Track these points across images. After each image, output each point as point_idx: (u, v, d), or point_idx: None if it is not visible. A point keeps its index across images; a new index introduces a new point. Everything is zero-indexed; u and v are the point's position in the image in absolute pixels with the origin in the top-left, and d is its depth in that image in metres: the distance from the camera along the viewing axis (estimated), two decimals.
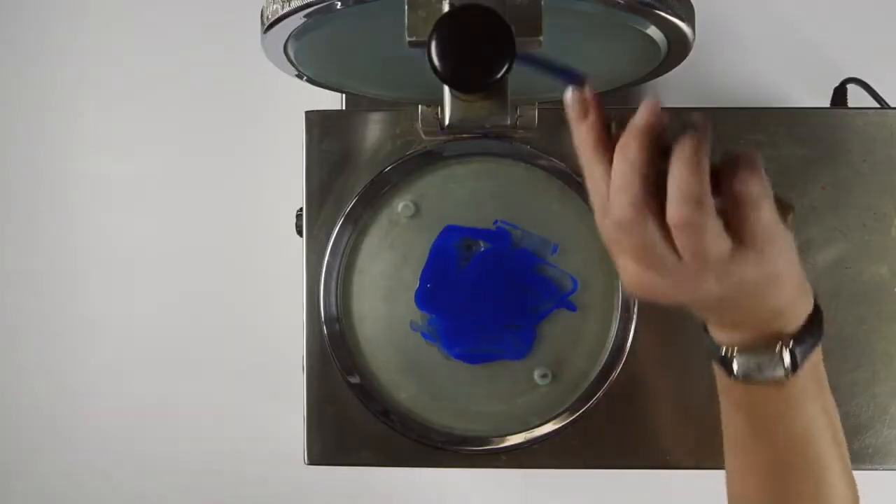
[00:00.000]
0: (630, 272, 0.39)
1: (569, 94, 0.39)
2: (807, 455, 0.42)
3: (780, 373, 0.40)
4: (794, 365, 0.40)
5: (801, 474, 0.42)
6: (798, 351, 0.40)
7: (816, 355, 0.42)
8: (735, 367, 0.41)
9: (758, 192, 0.36)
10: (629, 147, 0.37)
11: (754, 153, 0.37)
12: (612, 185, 0.37)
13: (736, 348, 0.41)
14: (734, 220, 0.36)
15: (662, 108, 0.37)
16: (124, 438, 0.74)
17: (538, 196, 0.52)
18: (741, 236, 0.37)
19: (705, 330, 0.43)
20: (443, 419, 0.53)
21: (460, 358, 0.52)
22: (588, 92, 0.39)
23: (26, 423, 0.75)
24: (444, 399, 0.53)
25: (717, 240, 0.36)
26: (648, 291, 0.39)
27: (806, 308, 0.41)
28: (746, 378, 0.41)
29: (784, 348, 0.40)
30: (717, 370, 0.43)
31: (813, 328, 0.41)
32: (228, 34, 0.73)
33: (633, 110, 0.37)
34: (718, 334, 0.42)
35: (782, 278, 0.39)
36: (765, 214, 0.37)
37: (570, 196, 0.52)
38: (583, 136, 0.39)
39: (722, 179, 0.36)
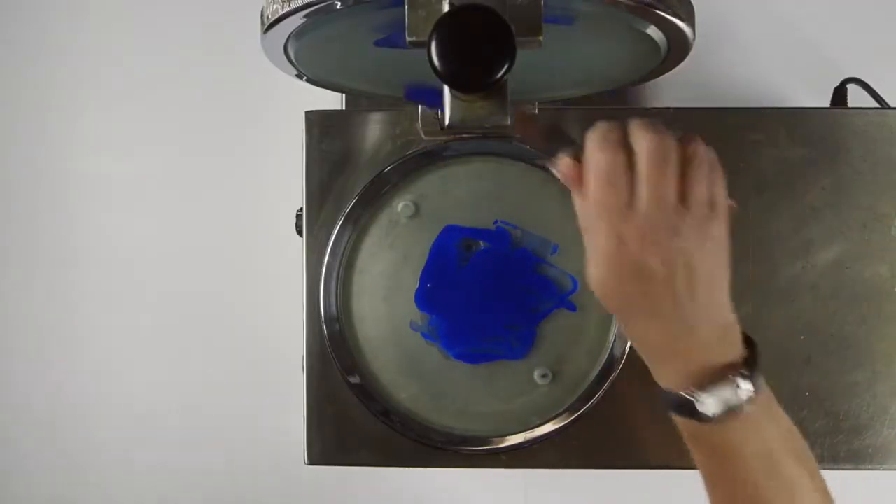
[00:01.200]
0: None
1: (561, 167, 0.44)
2: (775, 476, 0.42)
3: (744, 401, 0.41)
4: (755, 390, 0.41)
5: (775, 495, 0.42)
6: (752, 376, 0.41)
7: (762, 380, 0.43)
8: (703, 408, 0.41)
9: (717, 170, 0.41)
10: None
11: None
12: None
13: (694, 389, 0.42)
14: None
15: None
16: (124, 438, 0.74)
17: (538, 196, 0.52)
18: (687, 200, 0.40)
19: (659, 388, 0.44)
20: (443, 419, 0.53)
21: (460, 358, 0.52)
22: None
23: (25, 424, 0.75)
24: (444, 399, 0.53)
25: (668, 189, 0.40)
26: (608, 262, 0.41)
27: (738, 334, 0.43)
28: (717, 416, 0.41)
29: (738, 377, 0.41)
30: (681, 420, 0.44)
31: (754, 352, 0.43)
32: (228, 34, 0.73)
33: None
34: (671, 378, 0.43)
35: (724, 280, 0.42)
36: (724, 195, 0.41)
37: (570, 196, 0.52)
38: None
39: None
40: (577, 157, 0.43)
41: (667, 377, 0.43)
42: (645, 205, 0.40)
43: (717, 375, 0.41)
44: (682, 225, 0.40)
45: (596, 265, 0.42)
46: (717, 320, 0.42)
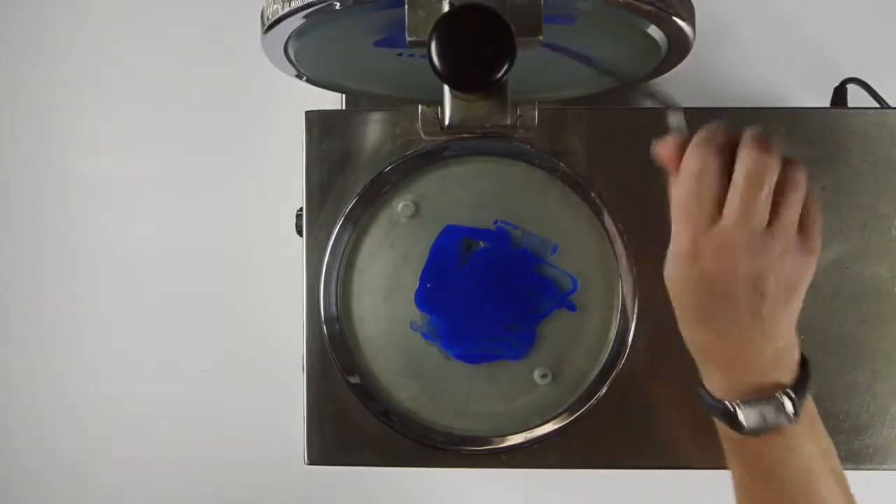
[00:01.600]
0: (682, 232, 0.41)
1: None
2: (809, 495, 0.42)
3: (783, 421, 0.41)
4: (796, 411, 0.41)
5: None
6: (797, 398, 0.41)
7: (809, 399, 0.43)
8: (742, 419, 0.42)
9: (813, 193, 0.41)
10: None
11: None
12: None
13: (739, 401, 0.42)
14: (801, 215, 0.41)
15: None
16: (123, 438, 0.74)
17: (538, 196, 0.52)
18: (800, 230, 0.40)
19: (702, 387, 0.45)
20: (443, 419, 0.53)
21: (460, 358, 0.52)
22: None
23: (25, 424, 0.75)
24: (444, 399, 0.53)
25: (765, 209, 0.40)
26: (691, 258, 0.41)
27: (796, 356, 0.43)
28: (754, 430, 0.42)
29: (784, 396, 0.41)
30: (722, 426, 0.44)
31: (806, 375, 0.43)
32: (228, 34, 0.73)
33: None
34: (717, 385, 0.43)
35: (802, 296, 0.41)
36: (819, 217, 0.41)
37: (570, 196, 0.52)
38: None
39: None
40: (682, 145, 0.42)
41: (714, 383, 0.44)
42: (730, 220, 0.40)
43: (764, 393, 0.42)
44: (763, 249, 0.40)
45: (670, 263, 0.42)
46: (776, 343, 0.42)
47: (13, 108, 0.74)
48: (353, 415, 0.53)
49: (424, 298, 0.52)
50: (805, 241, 0.41)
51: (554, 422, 0.52)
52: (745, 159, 0.39)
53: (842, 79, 0.64)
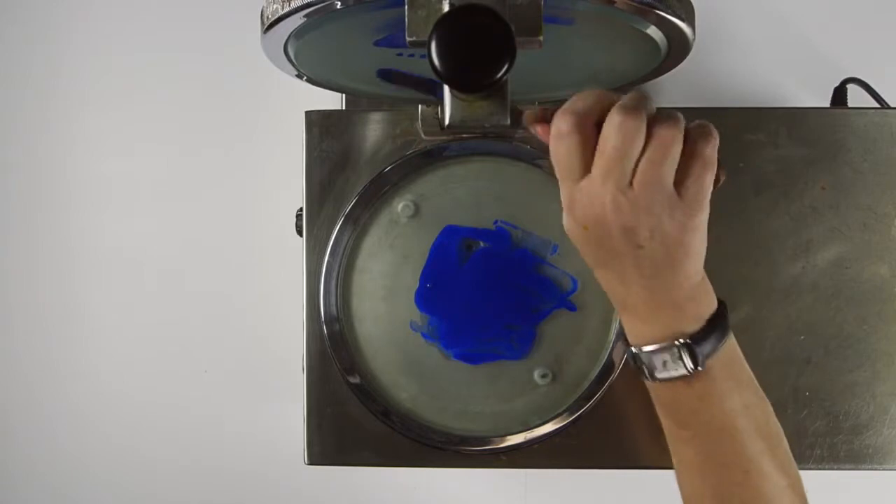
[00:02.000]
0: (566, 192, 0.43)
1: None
2: (729, 450, 0.44)
3: (681, 371, 0.43)
4: (695, 363, 0.43)
5: (729, 469, 0.44)
6: (699, 350, 0.43)
7: (728, 353, 0.44)
8: (644, 365, 0.44)
9: (712, 157, 0.41)
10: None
11: (713, 129, 0.42)
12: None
13: (642, 347, 0.44)
14: (680, 174, 0.41)
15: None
16: (124, 438, 0.74)
17: (538, 196, 0.52)
18: (679, 189, 0.41)
19: (622, 335, 0.47)
20: (443, 419, 0.53)
21: (460, 358, 0.52)
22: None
23: (25, 424, 0.75)
24: (444, 399, 0.53)
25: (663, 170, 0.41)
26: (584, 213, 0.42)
27: (708, 307, 0.44)
28: (652, 375, 0.44)
29: (682, 348, 0.43)
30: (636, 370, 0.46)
31: (715, 328, 0.44)
32: (228, 34, 0.73)
33: None
34: (628, 330, 0.45)
35: (692, 252, 0.42)
36: (707, 180, 0.41)
37: None
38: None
39: (687, 137, 0.41)
40: (545, 113, 0.43)
41: (626, 328, 0.46)
42: (595, 177, 0.41)
43: (663, 341, 0.43)
44: (628, 205, 0.41)
45: (577, 218, 0.43)
46: (672, 293, 0.43)
47: (13, 108, 0.74)
48: (353, 415, 0.53)
49: (424, 298, 0.52)
50: (683, 199, 0.41)
51: (554, 422, 0.52)
52: (608, 122, 0.41)
53: (842, 79, 0.64)
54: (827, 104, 0.65)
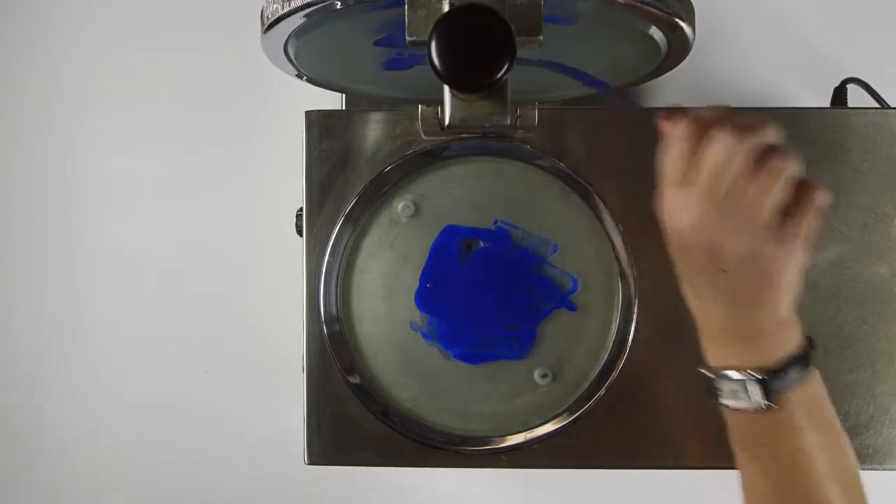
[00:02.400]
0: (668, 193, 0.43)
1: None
2: (798, 483, 0.43)
3: (751, 404, 0.42)
4: (768, 397, 0.42)
5: (797, 500, 0.43)
6: (774, 385, 0.42)
7: (806, 389, 0.43)
8: (717, 390, 0.44)
9: (824, 205, 0.42)
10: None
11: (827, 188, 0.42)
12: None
13: (714, 371, 0.44)
14: (788, 212, 0.41)
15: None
16: (124, 438, 0.74)
17: (538, 196, 0.52)
18: (782, 225, 0.41)
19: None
20: (443, 419, 0.53)
21: (460, 358, 0.52)
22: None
23: (25, 423, 0.75)
24: (444, 399, 0.53)
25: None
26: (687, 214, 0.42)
27: (790, 346, 0.43)
28: (724, 404, 0.43)
29: (754, 382, 0.42)
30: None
31: (793, 367, 0.43)
32: (228, 34, 0.73)
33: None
34: (706, 349, 0.45)
35: (780, 288, 0.42)
36: (811, 222, 0.41)
37: (570, 196, 0.52)
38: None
39: (802, 183, 0.42)
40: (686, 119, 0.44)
41: (704, 346, 0.45)
42: (693, 186, 0.41)
43: (735, 369, 0.43)
44: (717, 220, 0.41)
45: (669, 224, 0.43)
46: (752, 325, 0.42)
47: (13, 108, 0.74)
48: (353, 415, 0.53)
49: (424, 298, 0.52)
50: (782, 227, 0.41)
51: (554, 422, 0.52)
52: (715, 136, 0.41)
53: (842, 79, 0.64)
54: (827, 104, 0.65)
